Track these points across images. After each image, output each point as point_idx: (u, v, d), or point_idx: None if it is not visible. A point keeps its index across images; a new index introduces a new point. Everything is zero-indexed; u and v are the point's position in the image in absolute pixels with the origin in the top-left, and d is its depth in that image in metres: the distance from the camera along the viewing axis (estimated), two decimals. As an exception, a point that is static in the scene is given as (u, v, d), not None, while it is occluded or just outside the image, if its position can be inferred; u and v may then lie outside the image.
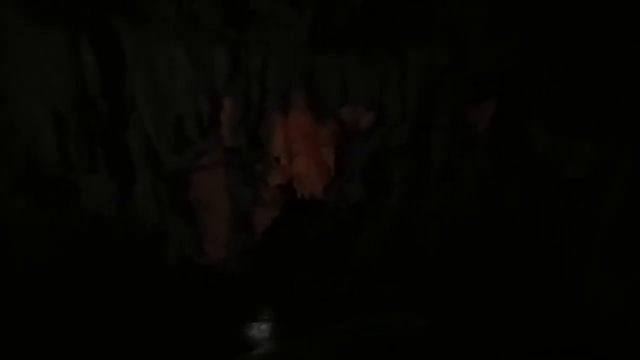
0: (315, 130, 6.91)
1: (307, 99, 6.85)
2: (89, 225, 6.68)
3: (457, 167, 7.33)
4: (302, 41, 6.62)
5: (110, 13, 6.28)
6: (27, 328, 6.36)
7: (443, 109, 7.12)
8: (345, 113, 6.89)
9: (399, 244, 7.51)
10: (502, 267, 7.41)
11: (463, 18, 6.94)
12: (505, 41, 7.00)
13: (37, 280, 6.40)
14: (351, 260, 7.61)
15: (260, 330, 7.04)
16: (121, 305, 6.75)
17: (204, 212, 7.09)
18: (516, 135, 7.31)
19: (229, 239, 7.21)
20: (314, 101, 6.86)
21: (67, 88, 6.05)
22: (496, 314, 6.91)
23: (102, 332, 6.49)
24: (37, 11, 5.97)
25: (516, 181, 7.33)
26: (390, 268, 7.45)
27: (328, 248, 7.47)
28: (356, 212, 7.36)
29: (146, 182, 6.68)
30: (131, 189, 6.70)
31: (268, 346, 6.79)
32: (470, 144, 7.23)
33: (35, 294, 6.41)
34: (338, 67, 6.68)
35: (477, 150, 7.34)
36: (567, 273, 7.15)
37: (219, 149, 6.95)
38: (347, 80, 6.72)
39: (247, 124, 6.90)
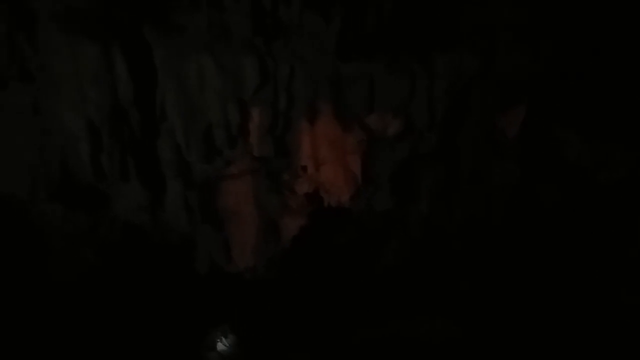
0: (342, 138, 6.91)
1: (334, 107, 6.86)
2: (120, 232, 6.87)
3: (487, 174, 7.25)
4: (330, 50, 6.65)
5: (142, 26, 6.49)
6: (61, 330, 6.54)
7: (472, 115, 7.07)
8: (373, 121, 6.88)
9: (428, 252, 7.44)
10: (534, 274, 7.27)
11: (491, 24, 6.90)
12: (534, 47, 6.92)
13: (71, 284, 6.58)
14: (379, 269, 7.59)
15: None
16: (151, 311, 6.89)
17: (232, 220, 7.16)
18: (547, 141, 7.19)
19: (257, 247, 7.28)
20: (341, 109, 6.88)
21: (101, 99, 6.20)
22: (526, 319, 6.80)
23: (131, 336, 6.62)
24: (72, 25, 6.18)
25: (549, 188, 7.20)
26: (419, 275, 7.39)
27: (355, 256, 7.46)
28: (384, 221, 7.37)
29: (176, 190, 6.80)
30: (162, 197, 6.84)
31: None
32: (501, 151, 7.16)
33: (68, 298, 6.59)
34: (365, 75, 6.69)
35: (507, 156, 7.25)
36: (603, 279, 6.98)
37: (247, 157, 7.03)
38: (374, 88, 6.75)
39: (274, 133, 7.01)
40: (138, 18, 6.40)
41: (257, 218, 7.13)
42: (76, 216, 6.62)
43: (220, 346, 6.75)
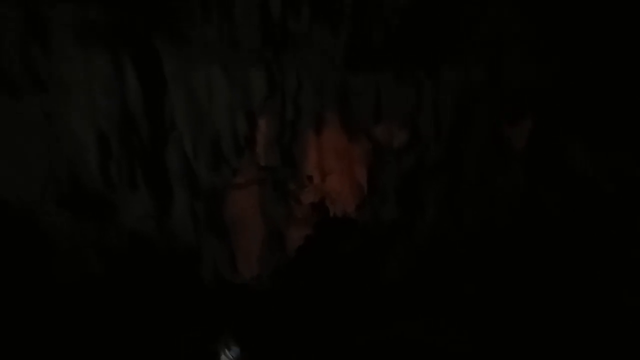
0: (349, 148, 6.99)
1: (341, 118, 6.96)
2: (127, 241, 6.89)
3: (494, 185, 7.26)
4: (337, 61, 6.77)
5: (152, 36, 6.60)
6: (65, 338, 6.52)
7: (479, 126, 7.12)
8: (379, 131, 6.95)
9: (433, 261, 7.41)
10: (540, 283, 7.23)
11: (498, 37, 6.97)
12: (541, 59, 6.98)
13: (76, 292, 6.58)
14: (384, 278, 7.55)
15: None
16: (155, 321, 6.86)
17: (238, 230, 7.18)
18: (554, 152, 7.20)
19: (262, 257, 7.29)
20: (348, 120, 6.97)
21: (111, 108, 6.31)
22: (529, 320, 6.77)
23: (136, 345, 6.59)
24: (85, 35, 6.31)
25: (556, 198, 7.18)
26: (425, 285, 7.34)
27: (361, 265, 7.44)
28: (390, 231, 7.36)
29: (183, 199, 6.84)
30: (169, 206, 6.88)
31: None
32: (508, 162, 7.17)
33: (73, 306, 6.58)
34: (372, 86, 6.79)
35: (514, 167, 7.26)
36: (604, 281, 6.95)
37: (254, 167, 7.09)
38: (380, 99, 6.83)
39: (281, 143, 7.07)
40: (149, 28, 6.56)
41: (262, 227, 7.16)
42: (84, 224, 6.66)
43: (224, 358, 6.72)
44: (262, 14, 6.63)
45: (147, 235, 6.87)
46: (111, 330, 6.63)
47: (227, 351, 6.75)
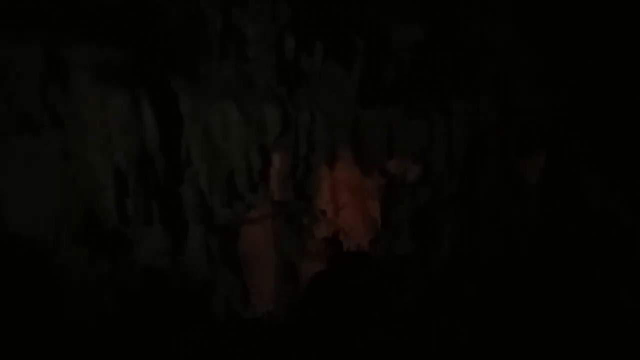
0: (362, 183, 7.05)
1: (354, 153, 7.05)
2: (140, 277, 6.90)
3: (508, 218, 7.26)
4: (350, 97, 6.90)
5: (168, 75, 6.77)
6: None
7: (491, 160, 7.19)
8: (392, 166, 7.02)
9: (447, 296, 7.35)
10: (558, 316, 7.15)
11: (509, 72, 7.10)
12: (550, 91, 7.07)
13: (89, 328, 6.56)
14: (397, 312, 7.49)
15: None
16: (169, 356, 6.81)
17: (252, 264, 7.18)
18: (569, 184, 7.21)
19: (276, 291, 7.26)
20: (361, 155, 7.05)
21: (128, 146, 6.39)
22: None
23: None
24: (103, 74, 6.46)
25: (571, 230, 7.16)
26: (440, 318, 7.27)
27: (375, 300, 7.38)
28: (404, 265, 7.34)
29: (198, 235, 6.86)
30: (183, 242, 6.90)
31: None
32: (521, 195, 7.18)
33: (86, 342, 6.55)
34: (385, 122, 6.91)
35: (528, 200, 7.27)
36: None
37: (268, 202, 7.14)
38: (393, 134, 6.93)
39: (295, 178, 7.14)
40: (165, 67, 6.73)
41: (276, 262, 7.16)
42: (98, 260, 6.69)
43: None
44: (276, 52, 6.88)
45: (160, 271, 6.91)
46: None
47: None
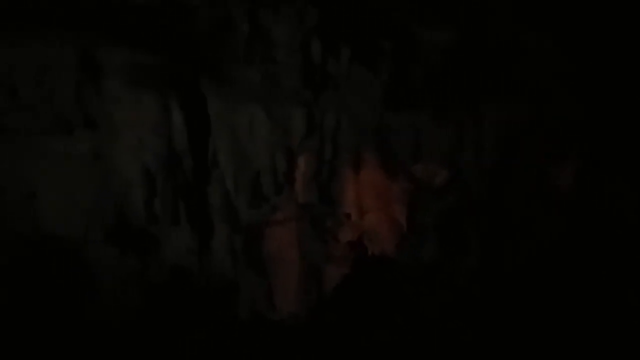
0: (387, 187, 6.97)
1: (379, 156, 6.98)
2: (167, 275, 7.01)
3: (538, 226, 7.06)
4: (376, 100, 6.86)
5: (198, 78, 6.89)
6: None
7: (521, 166, 7.00)
8: (419, 170, 6.94)
9: (474, 302, 7.21)
10: (587, 326, 6.96)
11: (541, 76, 6.92)
12: (582, 97, 6.87)
13: (119, 324, 6.73)
14: (421, 319, 7.37)
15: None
16: (193, 355, 6.89)
17: (276, 266, 7.20)
18: (600, 193, 6.98)
19: (299, 293, 7.26)
20: (386, 159, 6.99)
21: (158, 147, 6.56)
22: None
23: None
24: (135, 77, 6.63)
25: (602, 239, 6.92)
26: (464, 327, 7.14)
27: (398, 306, 7.30)
28: (429, 271, 7.23)
29: (223, 235, 6.94)
30: (209, 241, 6.99)
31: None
32: (552, 203, 6.98)
33: (116, 336, 6.71)
34: (412, 125, 6.83)
35: (559, 209, 7.06)
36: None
37: (292, 204, 7.15)
38: (420, 138, 6.85)
39: (319, 181, 7.13)
40: (195, 71, 6.85)
41: (300, 264, 7.14)
42: (127, 258, 6.85)
43: None
44: (303, 55, 6.91)
45: (187, 270, 7.03)
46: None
47: None
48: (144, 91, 6.48)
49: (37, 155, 6.99)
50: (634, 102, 6.78)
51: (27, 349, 6.35)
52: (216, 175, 6.82)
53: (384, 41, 6.71)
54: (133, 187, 6.70)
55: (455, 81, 6.61)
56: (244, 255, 7.08)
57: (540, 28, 6.96)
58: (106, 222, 6.86)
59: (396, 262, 7.26)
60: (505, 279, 7.14)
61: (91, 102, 6.79)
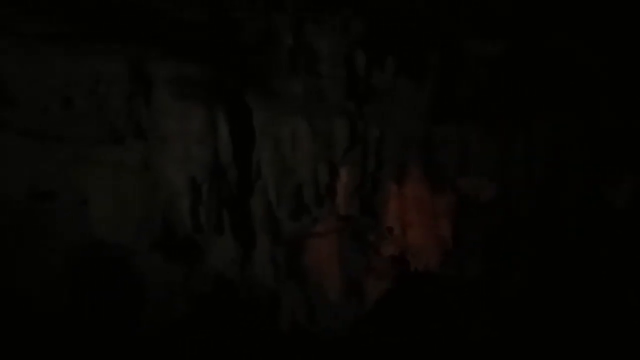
0: (432, 201, 6.84)
1: (424, 170, 6.87)
2: (211, 284, 7.12)
3: (591, 245, 6.71)
4: (421, 113, 6.76)
5: (243, 91, 6.99)
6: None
7: (573, 183, 6.70)
8: (465, 184, 6.76)
9: (520, 320, 6.91)
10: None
11: (593, 88, 6.61)
12: (635, 112, 6.50)
13: (166, 333, 6.86)
14: (465, 339, 7.14)
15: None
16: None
17: (316, 279, 7.17)
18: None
19: (339, 307, 7.20)
20: (431, 172, 6.86)
21: (204, 158, 6.66)
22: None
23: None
24: (183, 90, 6.80)
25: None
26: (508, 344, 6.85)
27: (443, 323, 7.10)
28: (475, 287, 7.00)
29: (265, 245, 6.99)
30: (251, 252, 7.05)
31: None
32: (606, 221, 6.62)
33: (162, 342, 6.85)
34: (458, 138, 6.69)
35: (613, 227, 6.69)
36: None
37: (334, 216, 7.13)
38: (467, 151, 6.68)
39: (361, 193, 7.08)
40: (241, 84, 6.96)
41: (340, 277, 7.08)
42: (172, 266, 7.01)
43: None
44: (347, 67, 6.90)
45: (230, 280, 7.11)
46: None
47: None
48: (191, 103, 6.63)
49: (89, 164, 7.33)
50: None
51: (77, 354, 6.62)
52: (259, 186, 6.90)
53: (430, 53, 6.62)
54: (179, 197, 6.83)
55: (505, 94, 6.41)
56: (286, 267, 7.10)
57: (593, 42, 6.66)
58: (154, 231, 7.10)
59: (440, 278, 7.13)
60: (552, 297, 6.83)
61: (141, 113, 7.02)
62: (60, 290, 6.83)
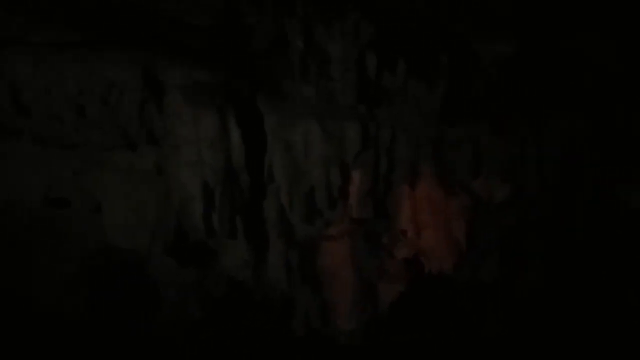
0: (446, 202, 6.77)
1: (437, 171, 6.82)
2: (225, 288, 7.14)
3: (605, 246, 6.64)
4: (433, 114, 6.72)
5: (255, 95, 7.01)
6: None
7: (587, 182, 6.63)
8: (479, 185, 6.71)
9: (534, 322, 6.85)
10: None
11: (606, 88, 6.55)
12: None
13: (181, 337, 6.90)
14: (478, 343, 7.09)
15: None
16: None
17: (330, 282, 7.13)
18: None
19: (353, 310, 7.17)
20: (444, 173, 6.81)
21: (216, 163, 6.69)
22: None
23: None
24: (195, 95, 6.84)
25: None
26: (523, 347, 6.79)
27: (457, 327, 7.06)
28: (490, 290, 6.96)
29: (279, 249, 6.97)
30: (265, 256, 7.04)
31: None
32: (621, 222, 6.55)
33: (178, 347, 6.89)
34: (471, 139, 6.63)
35: (629, 228, 6.61)
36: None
37: (347, 219, 7.09)
38: (480, 152, 6.63)
39: (375, 196, 7.05)
40: (252, 88, 6.98)
41: (354, 281, 7.04)
42: (186, 270, 7.04)
43: None
44: (358, 69, 6.89)
45: (243, 284, 7.13)
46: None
47: None
48: (203, 108, 6.65)
49: (102, 170, 7.39)
50: None
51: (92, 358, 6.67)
52: (272, 190, 6.90)
53: (441, 54, 6.59)
54: (192, 201, 6.87)
55: (517, 94, 6.37)
56: (299, 270, 7.09)
57: (607, 42, 6.61)
58: (168, 235, 7.12)
59: (454, 281, 7.09)
60: (567, 298, 6.77)
61: (153, 119, 7.07)
62: (75, 295, 6.92)
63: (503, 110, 6.43)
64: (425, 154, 6.69)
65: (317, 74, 6.78)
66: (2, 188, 7.44)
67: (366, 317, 7.03)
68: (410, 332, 7.02)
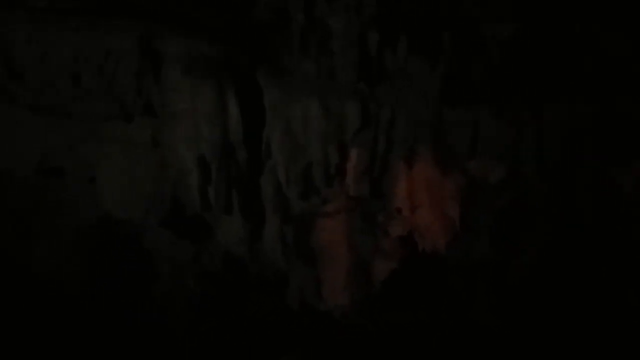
0: (441, 182, 6.81)
1: (434, 151, 6.82)
2: (220, 263, 7.19)
3: (600, 229, 6.75)
4: (433, 95, 6.69)
5: (255, 69, 6.92)
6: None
7: (584, 166, 6.68)
8: (474, 166, 6.74)
9: (526, 305, 7.00)
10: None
11: (607, 73, 6.54)
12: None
13: (177, 310, 6.97)
14: (469, 321, 7.24)
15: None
16: (242, 342, 7.06)
17: (324, 258, 7.19)
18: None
19: (347, 286, 7.26)
20: (441, 154, 6.82)
21: (213, 136, 6.67)
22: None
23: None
24: (194, 67, 6.74)
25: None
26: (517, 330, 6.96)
27: (449, 305, 7.18)
28: (481, 270, 7.07)
29: (274, 225, 7.03)
30: (261, 231, 7.11)
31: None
32: (616, 205, 6.64)
33: (174, 323, 6.94)
34: (470, 121, 6.63)
35: (623, 211, 6.71)
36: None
37: (343, 197, 7.11)
38: (478, 134, 6.64)
39: (371, 174, 7.06)
40: (252, 62, 6.89)
41: (348, 257, 7.10)
42: (181, 243, 7.07)
43: None
44: (359, 48, 6.81)
45: (239, 259, 7.19)
46: (196, 349, 6.90)
47: None
48: (202, 81, 6.59)
49: (98, 140, 7.32)
50: None
51: (89, 330, 6.72)
52: (269, 165, 6.89)
53: (443, 33, 6.53)
54: (189, 175, 6.87)
55: (518, 78, 6.35)
56: (295, 246, 7.14)
57: (609, 26, 6.57)
58: (163, 208, 7.12)
59: (447, 260, 7.19)
60: (560, 280, 6.90)
61: (151, 90, 6.99)
62: (72, 264, 6.94)
63: (503, 94, 6.41)
64: (423, 134, 6.69)
65: (318, 49, 6.70)
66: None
67: (360, 294, 7.15)
68: (403, 309, 7.16)
